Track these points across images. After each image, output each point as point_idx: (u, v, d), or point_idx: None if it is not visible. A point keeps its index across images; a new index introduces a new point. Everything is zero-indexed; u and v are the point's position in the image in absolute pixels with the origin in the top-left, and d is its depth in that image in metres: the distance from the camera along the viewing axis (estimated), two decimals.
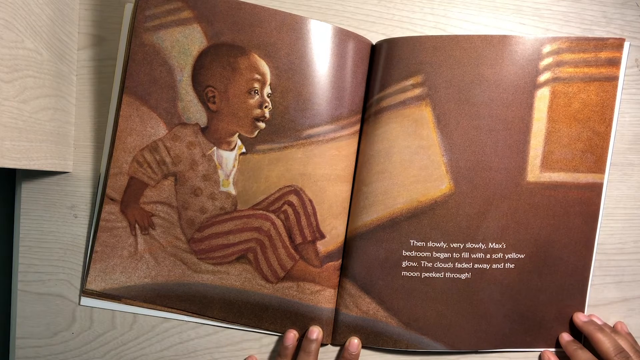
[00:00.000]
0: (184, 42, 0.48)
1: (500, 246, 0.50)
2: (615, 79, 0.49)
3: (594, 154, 0.49)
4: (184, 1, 0.47)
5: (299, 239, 0.50)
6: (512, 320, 0.51)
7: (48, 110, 0.45)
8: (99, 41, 0.51)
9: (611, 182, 0.52)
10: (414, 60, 0.48)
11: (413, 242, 0.49)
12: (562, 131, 0.49)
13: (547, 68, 0.48)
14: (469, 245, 0.49)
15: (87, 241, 0.51)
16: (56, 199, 0.51)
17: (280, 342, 0.51)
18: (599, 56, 0.49)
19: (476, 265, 0.50)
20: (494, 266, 0.50)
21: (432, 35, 0.49)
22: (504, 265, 0.50)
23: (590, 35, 0.52)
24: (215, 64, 0.48)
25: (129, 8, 0.50)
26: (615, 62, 0.49)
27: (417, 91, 0.48)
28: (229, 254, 0.50)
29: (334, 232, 0.50)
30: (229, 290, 0.50)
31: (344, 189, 0.50)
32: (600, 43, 0.49)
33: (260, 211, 0.49)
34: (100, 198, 0.50)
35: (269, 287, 0.50)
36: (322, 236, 0.49)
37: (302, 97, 0.48)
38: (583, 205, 0.50)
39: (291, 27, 0.47)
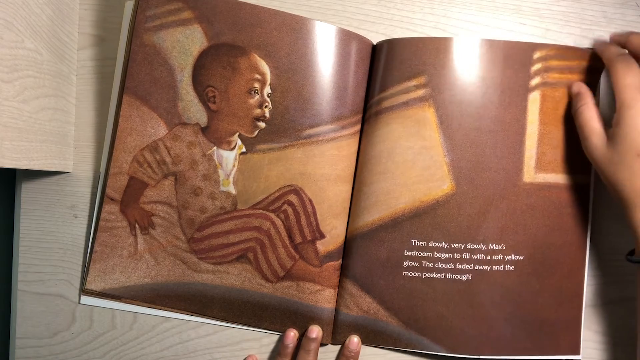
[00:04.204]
0: (185, 42, 0.48)
1: (500, 247, 0.50)
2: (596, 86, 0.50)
3: (580, 156, 0.49)
4: (185, 1, 0.47)
5: (298, 239, 0.50)
6: (513, 325, 0.50)
7: (48, 110, 0.45)
8: (99, 41, 0.51)
9: (600, 182, 0.52)
10: (416, 61, 0.48)
11: (415, 242, 0.49)
12: (552, 133, 0.50)
13: (537, 73, 0.49)
14: (469, 245, 0.49)
15: (87, 241, 0.51)
16: (56, 199, 0.51)
17: (280, 342, 0.51)
18: (582, 64, 0.49)
19: (477, 267, 0.50)
20: (494, 268, 0.50)
21: (433, 37, 0.49)
22: (504, 267, 0.50)
23: (588, 36, 0.53)
24: (216, 64, 0.48)
25: (129, 8, 0.50)
26: (598, 71, 0.49)
27: (420, 92, 0.48)
28: (229, 254, 0.50)
29: (333, 232, 0.50)
30: (229, 289, 0.50)
31: (344, 189, 0.50)
32: (585, 53, 0.49)
33: (260, 210, 0.49)
34: (100, 198, 0.50)
35: (268, 286, 0.50)
36: (322, 236, 0.49)
37: (302, 97, 0.48)
38: (573, 207, 0.50)
39: (291, 27, 0.47)
